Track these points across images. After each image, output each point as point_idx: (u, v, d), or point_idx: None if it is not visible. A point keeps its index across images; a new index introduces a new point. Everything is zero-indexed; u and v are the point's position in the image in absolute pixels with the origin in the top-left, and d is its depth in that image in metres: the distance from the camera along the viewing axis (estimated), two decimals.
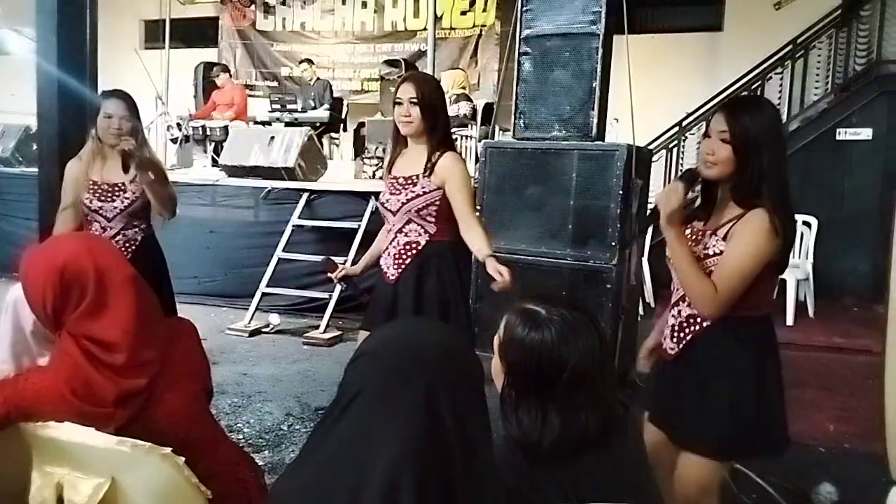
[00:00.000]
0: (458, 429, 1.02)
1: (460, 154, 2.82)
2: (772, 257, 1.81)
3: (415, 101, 2.54)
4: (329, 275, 2.70)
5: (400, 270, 2.62)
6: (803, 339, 5.35)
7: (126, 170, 2.97)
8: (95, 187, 2.98)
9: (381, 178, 2.76)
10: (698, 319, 1.91)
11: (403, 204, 2.58)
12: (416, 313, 2.54)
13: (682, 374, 1.94)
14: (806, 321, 5.82)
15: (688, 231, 1.97)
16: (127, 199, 2.99)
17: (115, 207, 2.98)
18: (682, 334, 1.95)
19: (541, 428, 1.25)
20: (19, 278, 1.59)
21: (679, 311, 1.97)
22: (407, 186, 2.59)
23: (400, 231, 2.62)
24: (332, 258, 2.78)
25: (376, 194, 3.10)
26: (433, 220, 2.60)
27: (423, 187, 2.57)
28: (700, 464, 1.89)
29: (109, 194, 2.98)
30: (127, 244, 3.01)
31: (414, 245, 2.61)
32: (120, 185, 3.00)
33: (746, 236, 1.80)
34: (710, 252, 1.87)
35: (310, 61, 8.66)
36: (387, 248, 2.67)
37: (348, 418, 1.03)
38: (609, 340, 3.39)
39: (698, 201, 2.03)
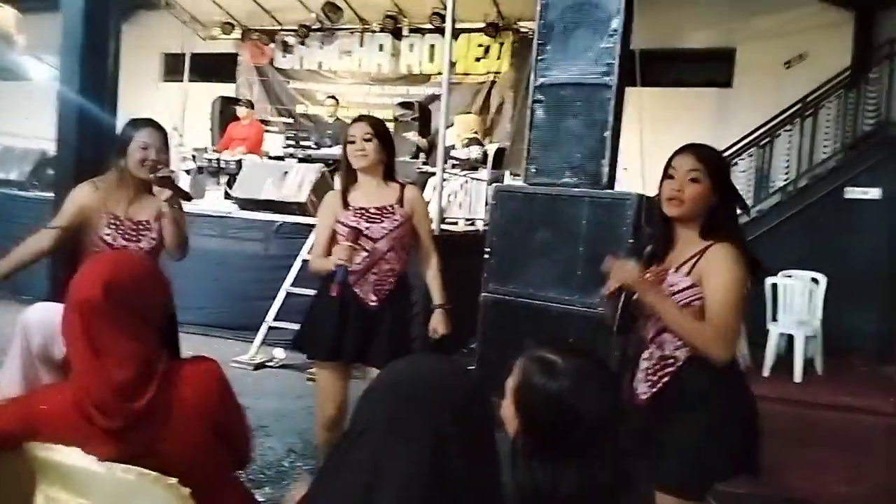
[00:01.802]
0: (467, 468, 1.02)
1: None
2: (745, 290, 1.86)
3: (369, 136, 2.73)
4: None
5: (382, 297, 2.75)
6: (811, 396, 5.30)
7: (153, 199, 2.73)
8: (118, 223, 2.69)
9: None
10: (670, 361, 1.94)
11: (389, 231, 2.74)
12: (400, 336, 2.76)
13: (653, 418, 1.96)
14: (814, 378, 5.77)
15: (647, 274, 2.00)
16: (153, 238, 2.74)
17: (141, 248, 2.70)
18: (654, 378, 1.97)
19: (554, 479, 1.22)
20: None
21: (651, 354, 2.00)
22: (385, 216, 2.75)
23: (382, 258, 2.75)
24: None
25: None
26: (405, 247, 2.82)
27: (401, 216, 2.77)
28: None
29: (134, 233, 2.71)
30: None
31: (393, 272, 2.78)
32: (145, 223, 2.73)
33: (723, 269, 1.86)
34: (677, 288, 1.91)
35: (336, 99, 8.78)
36: (363, 276, 2.73)
37: (358, 450, 1.04)
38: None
39: (648, 249, 2.10)
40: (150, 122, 2.80)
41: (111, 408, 1.43)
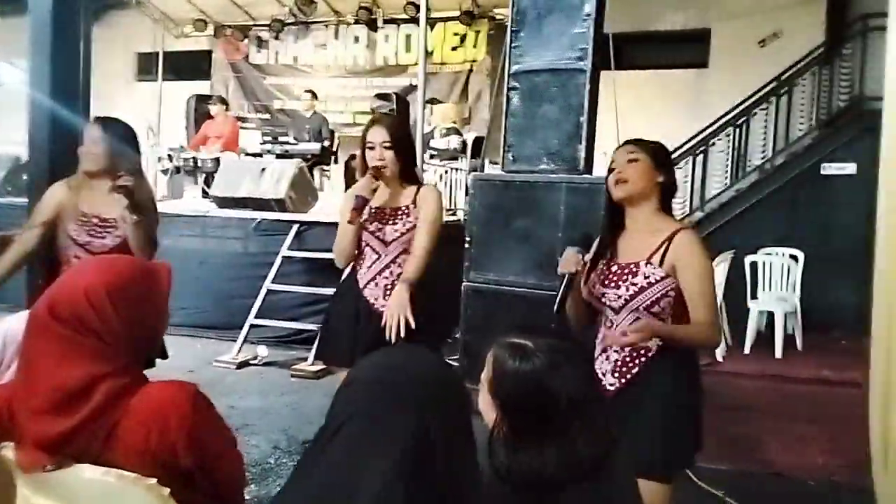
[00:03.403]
0: (447, 455, 1.02)
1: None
2: None
3: (388, 145, 2.61)
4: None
5: None
6: (792, 371, 5.37)
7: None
8: (85, 219, 2.74)
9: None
10: (641, 352, 1.98)
11: (403, 234, 2.63)
12: (412, 341, 2.51)
13: (625, 409, 1.95)
14: (794, 354, 5.84)
15: (615, 266, 2.04)
16: (118, 237, 2.73)
17: (105, 244, 2.73)
18: (624, 369, 1.99)
19: (539, 460, 1.23)
20: None
21: (622, 346, 2.00)
22: (399, 218, 2.64)
23: (393, 262, 2.64)
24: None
25: None
26: None
27: (415, 219, 2.64)
28: (658, 489, 1.93)
29: (100, 230, 2.74)
30: None
31: None
32: (112, 220, 2.75)
33: (696, 258, 1.96)
34: (653, 280, 1.96)
35: (314, 94, 8.72)
36: (373, 279, 2.65)
37: (338, 443, 1.03)
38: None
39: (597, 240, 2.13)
40: (98, 119, 2.85)
41: (27, 429, 1.36)
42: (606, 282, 2.03)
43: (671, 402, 1.96)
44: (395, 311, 2.48)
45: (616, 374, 2.00)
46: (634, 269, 1.99)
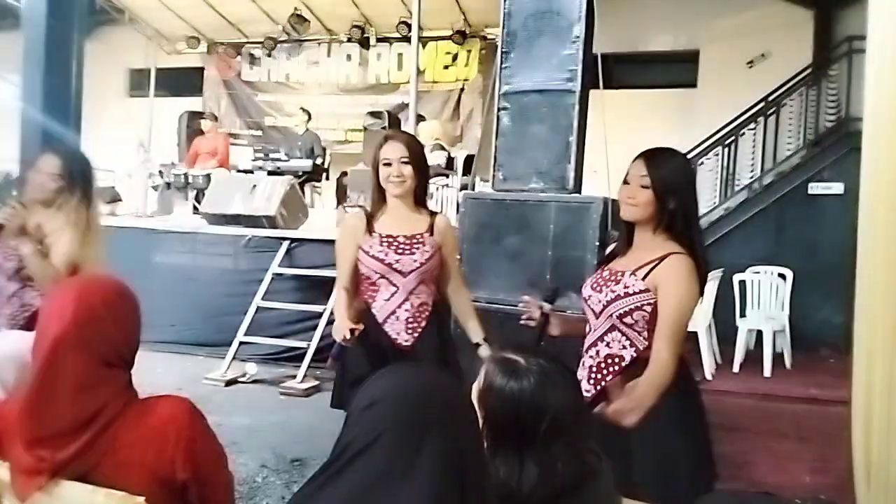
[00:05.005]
0: (474, 472, 1.05)
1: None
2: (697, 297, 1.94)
3: (406, 160, 2.50)
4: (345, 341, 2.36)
5: (416, 335, 2.54)
6: (780, 390, 5.39)
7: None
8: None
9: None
10: (615, 360, 1.97)
11: (421, 265, 2.52)
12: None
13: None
14: (783, 372, 5.86)
15: (606, 272, 2.06)
16: (13, 256, 2.68)
17: (10, 268, 2.68)
18: (598, 376, 1.99)
19: (518, 477, 1.25)
20: None
21: (597, 352, 2.01)
22: (416, 246, 2.53)
23: (412, 293, 2.53)
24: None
25: None
26: (435, 279, 2.60)
27: (432, 247, 2.55)
28: None
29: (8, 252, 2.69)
30: (22, 308, 2.66)
31: (426, 306, 2.56)
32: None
33: (678, 283, 1.90)
34: (630, 291, 1.95)
35: (308, 113, 8.76)
36: (393, 313, 2.53)
37: (358, 469, 1.02)
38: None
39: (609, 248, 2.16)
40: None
41: (26, 455, 1.39)
42: (594, 286, 2.05)
43: (653, 421, 1.80)
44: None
45: (591, 381, 2.01)
46: (619, 277, 1.99)
